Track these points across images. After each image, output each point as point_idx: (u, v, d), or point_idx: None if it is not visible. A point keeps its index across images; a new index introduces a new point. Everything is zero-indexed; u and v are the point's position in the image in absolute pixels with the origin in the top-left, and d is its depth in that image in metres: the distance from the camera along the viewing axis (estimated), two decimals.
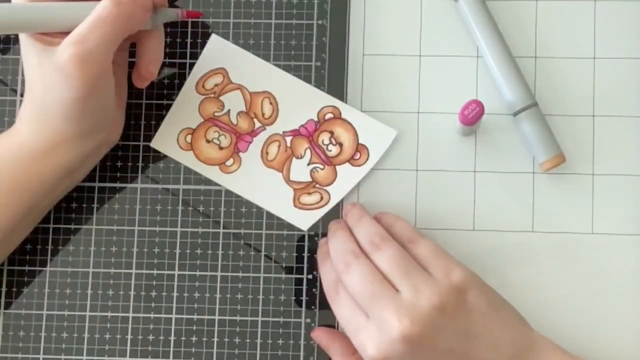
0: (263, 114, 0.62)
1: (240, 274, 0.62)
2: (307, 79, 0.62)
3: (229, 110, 0.62)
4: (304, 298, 0.61)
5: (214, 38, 0.62)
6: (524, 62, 0.61)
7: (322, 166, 0.61)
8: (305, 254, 0.61)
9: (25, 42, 0.55)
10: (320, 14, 0.63)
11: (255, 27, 0.63)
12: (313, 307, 0.61)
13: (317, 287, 0.61)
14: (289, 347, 0.61)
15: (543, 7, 0.63)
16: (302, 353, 0.61)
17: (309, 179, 0.62)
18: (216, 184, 0.62)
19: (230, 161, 0.62)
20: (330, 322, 0.61)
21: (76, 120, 0.56)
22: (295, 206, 0.61)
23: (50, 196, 0.59)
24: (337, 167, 0.61)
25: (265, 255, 0.62)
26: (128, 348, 0.61)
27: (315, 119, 0.62)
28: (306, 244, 0.61)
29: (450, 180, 0.62)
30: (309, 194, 0.61)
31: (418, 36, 0.63)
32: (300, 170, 0.62)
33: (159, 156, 0.63)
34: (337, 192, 0.61)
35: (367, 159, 0.61)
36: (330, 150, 0.62)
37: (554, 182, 0.61)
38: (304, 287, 0.61)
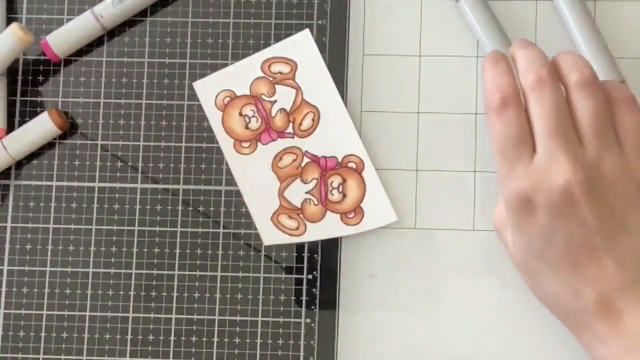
0: (300, 125, 0.62)
1: (240, 274, 0.62)
2: None
3: (275, 101, 0.62)
4: (304, 298, 0.61)
5: (306, 32, 0.62)
6: None
7: (316, 202, 0.61)
8: (305, 254, 0.61)
9: None
10: (320, 14, 0.63)
11: (255, 27, 0.63)
12: (313, 307, 0.61)
13: (317, 287, 0.61)
14: (289, 347, 0.61)
15: (543, 7, 0.62)
16: (302, 353, 0.61)
17: (299, 206, 0.61)
18: (216, 184, 0.62)
19: (247, 144, 0.62)
20: (331, 323, 0.61)
21: None
22: (271, 220, 0.61)
23: None
24: (328, 213, 0.61)
25: (265, 255, 0.62)
26: (128, 348, 0.61)
27: (339, 159, 0.61)
28: (306, 244, 0.61)
29: (450, 180, 0.62)
30: (290, 217, 0.61)
31: (418, 36, 0.63)
32: (297, 193, 0.61)
33: (159, 156, 0.62)
34: (314, 232, 0.61)
35: (357, 224, 0.61)
36: (333, 195, 0.61)
37: None
38: (304, 287, 0.61)
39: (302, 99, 0.62)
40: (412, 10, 0.63)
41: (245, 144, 0.62)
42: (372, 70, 0.63)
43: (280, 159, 0.62)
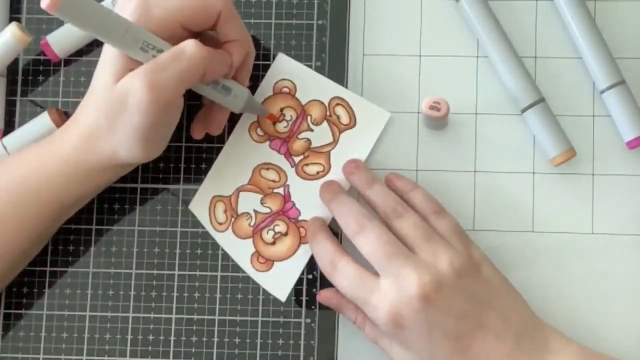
0: (304, 167, 0.61)
1: (240, 274, 0.62)
2: None
3: (312, 131, 0.62)
4: (304, 298, 0.61)
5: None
6: (524, 62, 0.61)
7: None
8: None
9: (110, 58, 0.55)
10: (320, 14, 0.63)
11: (255, 27, 0.63)
12: (313, 307, 0.61)
13: (317, 287, 0.61)
14: (289, 347, 0.61)
15: (543, 7, 0.63)
16: (302, 353, 0.61)
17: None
18: None
19: (262, 133, 0.62)
20: (331, 323, 0.61)
21: (136, 146, 0.55)
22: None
23: (76, 209, 0.60)
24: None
25: None
26: (128, 348, 0.61)
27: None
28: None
29: (451, 181, 0.62)
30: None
31: (418, 36, 0.63)
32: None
33: (159, 156, 0.62)
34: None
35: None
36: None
37: (554, 182, 0.61)
38: (304, 287, 0.61)
39: (328, 152, 0.61)
40: (412, 10, 0.63)
41: (260, 132, 0.62)
42: (372, 70, 0.63)
43: (268, 169, 0.61)
